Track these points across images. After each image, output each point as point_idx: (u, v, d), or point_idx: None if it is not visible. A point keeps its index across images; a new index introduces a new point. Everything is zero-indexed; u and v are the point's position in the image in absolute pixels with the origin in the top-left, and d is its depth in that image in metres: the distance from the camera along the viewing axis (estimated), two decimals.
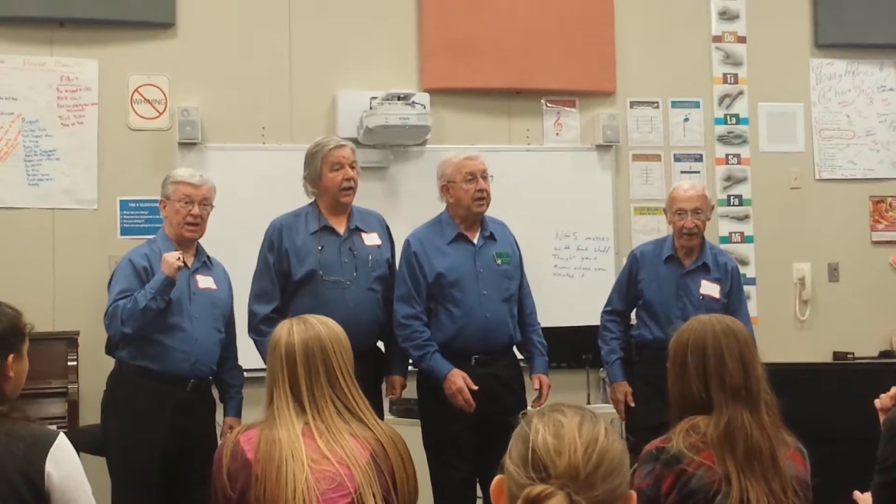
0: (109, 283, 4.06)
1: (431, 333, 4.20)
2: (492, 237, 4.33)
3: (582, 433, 1.48)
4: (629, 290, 4.71)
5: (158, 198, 4.16)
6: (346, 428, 2.56)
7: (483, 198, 4.27)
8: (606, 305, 4.78)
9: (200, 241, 4.15)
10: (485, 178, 4.27)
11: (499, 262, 4.30)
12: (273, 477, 2.45)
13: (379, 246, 4.24)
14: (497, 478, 1.54)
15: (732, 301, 4.59)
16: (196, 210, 4.02)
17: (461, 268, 4.23)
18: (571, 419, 1.51)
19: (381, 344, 4.37)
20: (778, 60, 6.39)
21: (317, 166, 4.19)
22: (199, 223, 4.04)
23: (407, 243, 4.31)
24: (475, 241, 4.30)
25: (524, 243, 4.56)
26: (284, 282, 4.17)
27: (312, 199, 4.27)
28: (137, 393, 3.79)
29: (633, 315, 4.79)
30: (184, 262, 3.94)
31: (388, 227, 4.36)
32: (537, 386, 4.31)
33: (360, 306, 4.08)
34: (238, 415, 4.14)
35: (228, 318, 4.18)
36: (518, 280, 4.37)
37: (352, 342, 2.72)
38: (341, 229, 4.20)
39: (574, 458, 1.46)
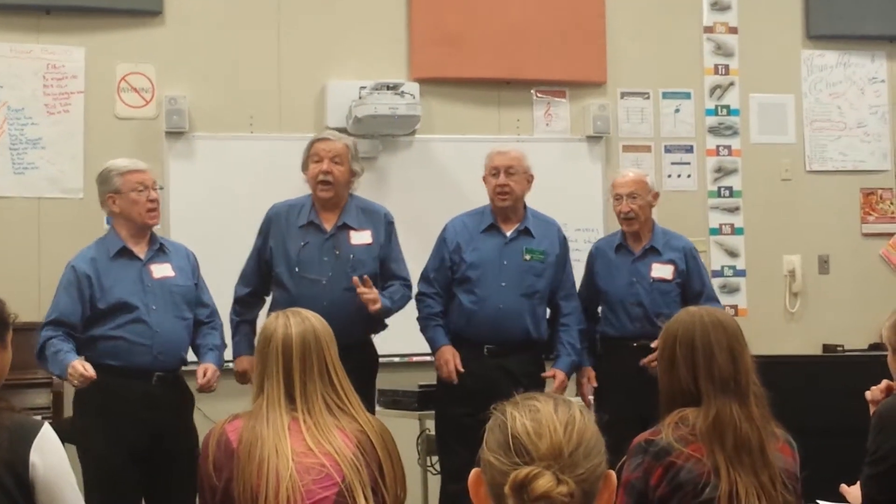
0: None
1: (448, 318, 4.35)
2: (527, 232, 4.37)
3: (558, 414, 1.50)
4: (588, 285, 4.70)
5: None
6: (333, 422, 2.55)
7: (504, 192, 4.32)
8: None
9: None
10: (509, 173, 4.31)
11: (527, 257, 4.34)
12: (254, 472, 2.43)
13: (368, 245, 4.18)
14: (473, 471, 1.54)
15: (693, 281, 4.54)
16: (153, 194, 3.93)
17: (485, 257, 4.31)
18: (546, 404, 1.52)
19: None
20: (769, 51, 6.38)
21: (305, 158, 4.20)
22: (156, 207, 3.96)
23: (445, 228, 4.44)
24: (508, 233, 4.35)
25: None
26: (266, 269, 4.20)
27: None
28: (102, 389, 3.72)
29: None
30: (139, 257, 3.91)
31: (390, 224, 4.29)
32: (551, 375, 4.36)
33: (334, 305, 3.92)
34: (216, 363, 3.93)
35: (196, 300, 4.03)
36: (549, 279, 4.39)
37: None
38: (329, 226, 4.16)
39: (556, 438, 1.47)
